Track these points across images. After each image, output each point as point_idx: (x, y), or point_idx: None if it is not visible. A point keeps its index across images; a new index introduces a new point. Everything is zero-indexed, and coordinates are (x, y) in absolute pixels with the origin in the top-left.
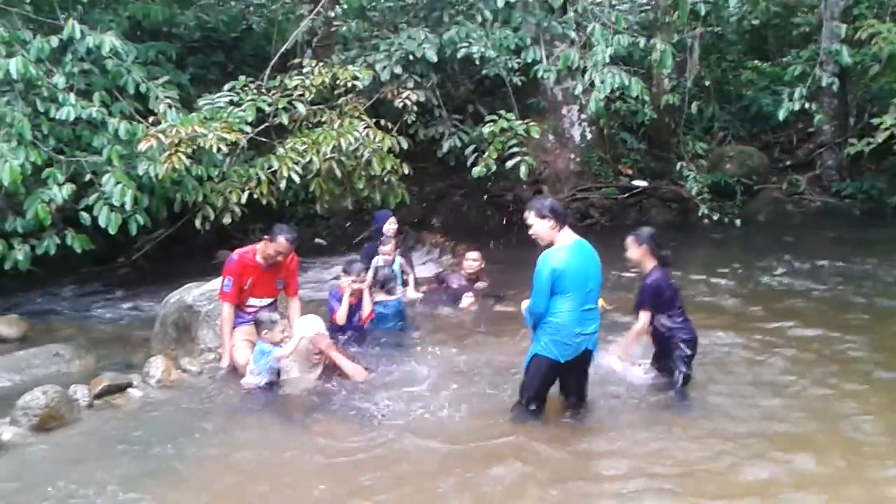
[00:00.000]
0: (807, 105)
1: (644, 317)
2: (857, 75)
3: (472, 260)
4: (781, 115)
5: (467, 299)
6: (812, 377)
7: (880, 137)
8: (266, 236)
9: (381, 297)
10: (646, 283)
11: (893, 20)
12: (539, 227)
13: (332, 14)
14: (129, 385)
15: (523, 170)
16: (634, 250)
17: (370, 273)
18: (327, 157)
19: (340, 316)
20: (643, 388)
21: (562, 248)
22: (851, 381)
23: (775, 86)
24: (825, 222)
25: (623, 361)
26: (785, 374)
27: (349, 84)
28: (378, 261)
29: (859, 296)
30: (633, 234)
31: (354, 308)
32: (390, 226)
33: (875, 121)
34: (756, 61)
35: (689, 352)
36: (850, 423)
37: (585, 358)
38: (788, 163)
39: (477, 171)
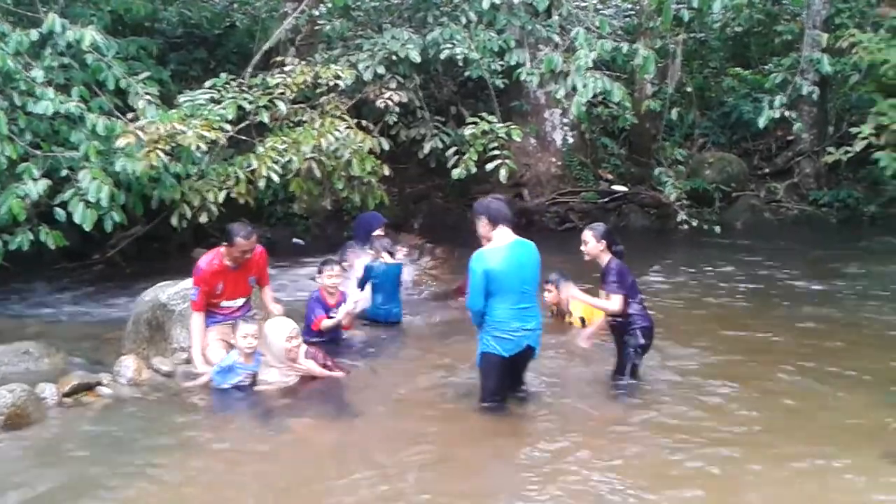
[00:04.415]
0: (787, 113)
1: (618, 300)
2: (837, 84)
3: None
4: (762, 122)
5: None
6: (758, 376)
7: (858, 146)
8: (224, 243)
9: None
10: (610, 267)
11: (874, 30)
12: (478, 225)
13: (317, 12)
14: (99, 384)
15: (503, 173)
16: (593, 244)
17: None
18: (307, 156)
19: (326, 325)
20: (590, 378)
21: (496, 247)
22: (797, 382)
23: (756, 93)
24: (802, 230)
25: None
26: (732, 371)
27: (331, 83)
28: (361, 263)
29: (816, 306)
30: (589, 228)
31: (335, 308)
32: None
33: (853, 130)
34: (738, 68)
35: (643, 341)
36: (792, 417)
37: (527, 355)
38: (767, 170)
39: (457, 173)
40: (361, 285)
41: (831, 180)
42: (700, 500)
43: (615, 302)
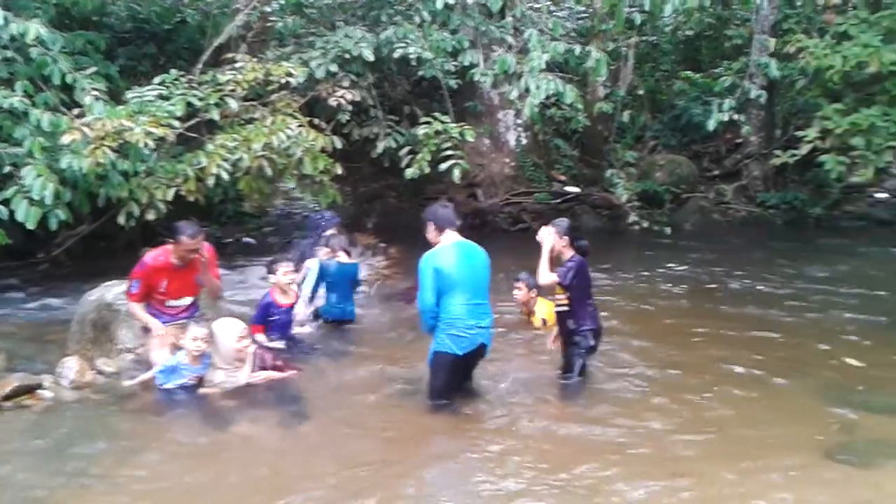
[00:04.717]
0: (735, 116)
1: (552, 278)
2: (784, 88)
3: (518, 288)
4: (711, 125)
5: None
6: (702, 377)
7: (804, 150)
8: (170, 240)
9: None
10: (569, 263)
11: (820, 36)
12: (427, 231)
13: (269, 9)
14: (40, 386)
15: (456, 173)
16: (556, 240)
17: (309, 275)
18: (258, 154)
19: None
20: (538, 377)
21: (442, 247)
22: (740, 382)
23: (706, 97)
24: (749, 231)
25: None
26: (677, 371)
27: (283, 81)
28: (314, 262)
29: (760, 306)
30: (552, 224)
31: (286, 314)
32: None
33: (800, 133)
34: (689, 72)
35: (592, 342)
36: (735, 416)
37: (481, 352)
38: (716, 172)
39: (410, 172)
40: (315, 285)
41: (778, 182)
42: (643, 497)
43: (547, 278)
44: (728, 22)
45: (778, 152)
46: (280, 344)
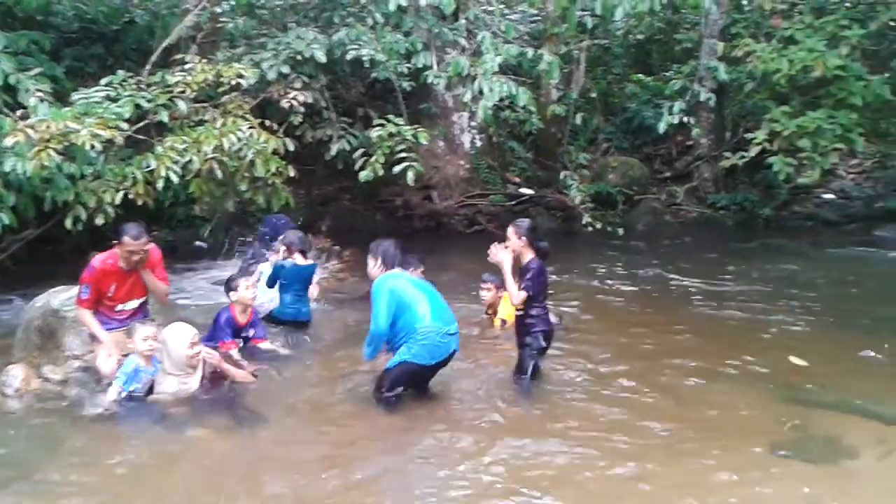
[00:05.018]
0: (685, 119)
1: (522, 296)
2: (733, 91)
3: (486, 290)
4: (661, 128)
5: None
6: (654, 375)
7: (753, 152)
8: (115, 242)
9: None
10: (530, 267)
11: (767, 40)
12: (371, 264)
13: (219, 10)
14: None
15: (410, 175)
16: (515, 241)
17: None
18: (208, 157)
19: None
20: (491, 377)
21: (385, 275)
22: (691, 380)
23: (657, 99)
24: (700, 232)
25: None
26: (629, 370)
27: (234, 82)
28: (267, 266)
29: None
30: (513, 225)
31: (246, 327)
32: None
33: (748, 135)
34: (640, 75)
35: (544, 344)
36: (686, 414)
37: (449, 358)
38: (668, 174)
39: (364, 175)
40: (271, 284)
41: (728, 184)
42: (594, 495)
43: (519, 296)
44: (678, 26)
45: (728, 154)
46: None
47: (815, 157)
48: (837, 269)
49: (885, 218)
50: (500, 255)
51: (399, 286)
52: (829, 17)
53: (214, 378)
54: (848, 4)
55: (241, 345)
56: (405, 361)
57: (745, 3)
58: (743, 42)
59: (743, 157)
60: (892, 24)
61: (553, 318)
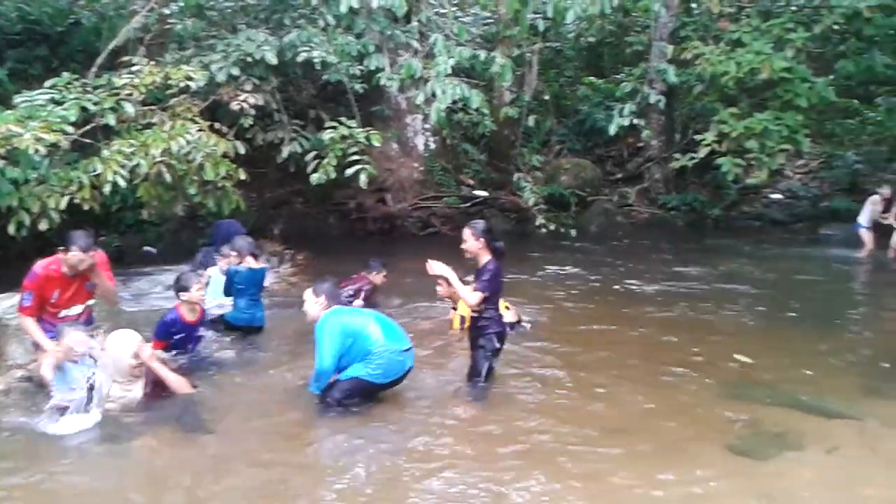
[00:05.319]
0: (636, 121)
1: (478, 297)
2: (682, 94)
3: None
4: (612, 129)
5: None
6: (606, 375)
7: (702, 153)
8: (60, 248)
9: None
10: (487, 268)
11: (716, 43)
12: (313, 301)
13: (167, 11)
14: None
15: (363, 178)
16: (472, 242)
17: (211, 282)
18: (156, 160)
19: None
20: (446, 380)
21: (329, 311)
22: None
23: (609, 102)
24: (652, 232)
25: None
26: (581, 370)
27: (183, 84)
28: (216, 270)
29: (662, 305)
30: (469, 226)
31: (190, 331)
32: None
33: (698, 137)
34: (592, 77)
35: (498, 345)
36: (639, 413)
37: (405, 376)
38: (619, 176)
39: (316, 178)
40: (227, 291)
41: (679, 185)
42: (542, 495)
43: (475, 297)
44: (629, 29)
45: (677, 156)
46: (181, 360)
47: (763, 158)
48: (784, 268)
49: (830, 217)
50: (437, 268)
51: (346, 320)
52: (775, 20)
53: (160, 384)
54: (794, 8)
55: (192, 347)
56: (359, 378)
57: (693, 6)
58: (692, 45)
59: (692, 158)
60: (835, 27)
61: (525, 321)
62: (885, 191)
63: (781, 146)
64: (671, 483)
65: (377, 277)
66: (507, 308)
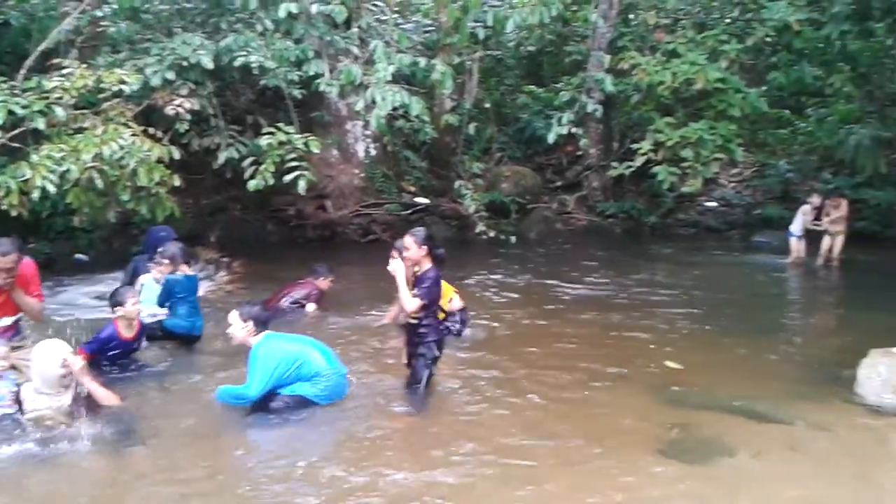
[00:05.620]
0: (574, 130)
1: (417, 304)
2: (620, 103)
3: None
4: (551, 138)
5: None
6: (540, 380)
7: (639, 161)
8: None
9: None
10: (427, 276)
11: (652, 53)
12: (240, 327)
13: (100, 13)
14: None
15: (302, 184)
16: (414, 249)
17: (144, 291)
18: (87, 165)
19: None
20: (386, 388)
21: (263, 337)
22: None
23: (548, 110)
24: (590, 239)
25: None
26: (515, 376)
27: (116, 88)
28: (149, 278)
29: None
30: (411, 234)
31: (126, 346)
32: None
33: (635, 146)
34: (532, 86)
35: (437, 353)
36: (572, 418)
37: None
38: (559, 183)
39: (253, 184)
40: (163, 301)
41: (617, 193)
42: (484, 498)
43: (414, 303)
44: (568, 39)
45: (615, 164)
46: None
47: (698, 167)
48: (717, 275)
49: (763, 225)
50: (394, 265)
51: (285, 348)
52: (709, 32)
53: (89, 396)
54: (727, 21)
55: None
56: (304, 397)
57: (631, 17)
58: (629, 55)
59: (629, 166)
60: (767, 40)
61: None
62: (815, 199)
63: (715, 155)
64: (603, 487)
65: (324, 283)
66: (455, 293)
